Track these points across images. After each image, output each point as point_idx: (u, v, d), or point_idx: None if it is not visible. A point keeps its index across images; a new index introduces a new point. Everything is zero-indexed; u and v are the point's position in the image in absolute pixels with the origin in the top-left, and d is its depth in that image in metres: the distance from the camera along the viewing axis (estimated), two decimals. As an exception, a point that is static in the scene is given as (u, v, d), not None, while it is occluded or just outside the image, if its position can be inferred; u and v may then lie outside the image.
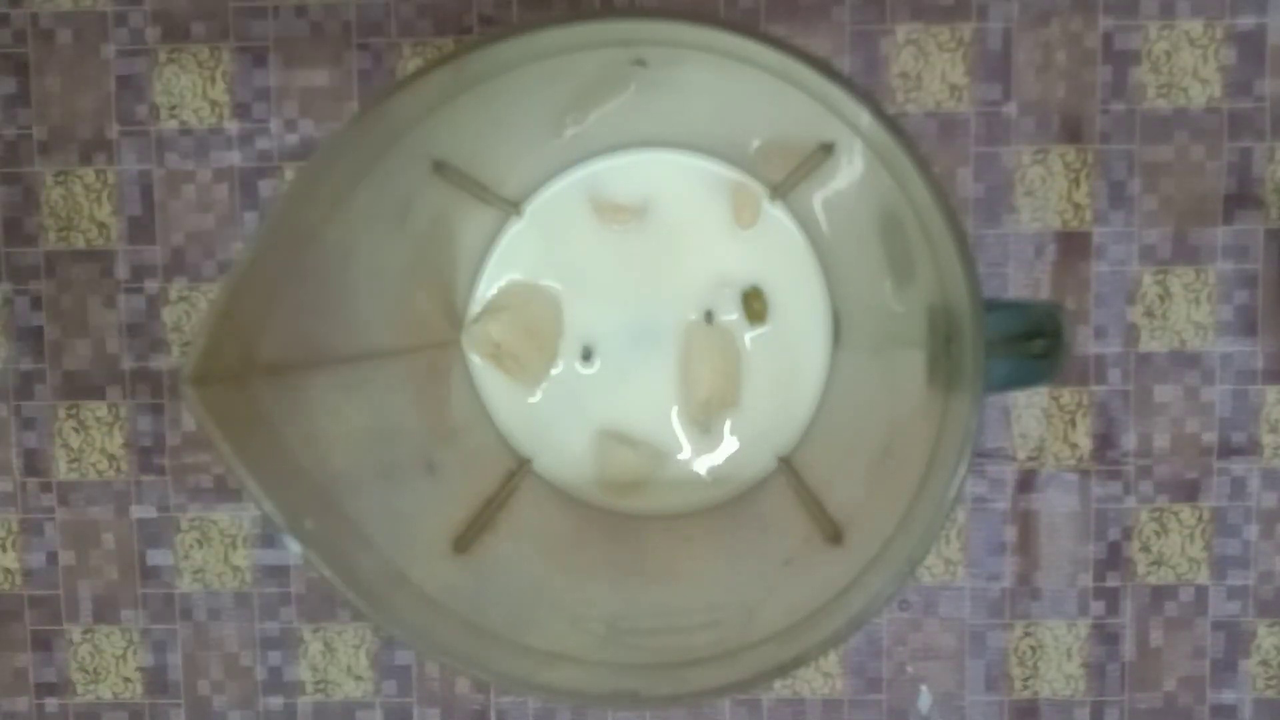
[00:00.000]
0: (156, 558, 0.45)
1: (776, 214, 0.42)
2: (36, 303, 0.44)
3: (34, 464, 0.45)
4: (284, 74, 0.43)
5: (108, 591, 0.45)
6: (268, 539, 0.45)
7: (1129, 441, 0.43)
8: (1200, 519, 0.44)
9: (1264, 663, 0.44)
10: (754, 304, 0.42)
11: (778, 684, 0.44)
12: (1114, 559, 0.44)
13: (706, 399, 0.42)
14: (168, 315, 0.44)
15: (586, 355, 0.42)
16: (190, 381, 0.27)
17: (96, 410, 0.44)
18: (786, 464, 0.42)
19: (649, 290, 0.42)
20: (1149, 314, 0.43)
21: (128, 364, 0.44)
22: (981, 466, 0.43)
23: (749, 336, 0.42)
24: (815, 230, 0.41)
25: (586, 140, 0.41)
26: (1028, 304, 0.41)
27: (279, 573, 0.44)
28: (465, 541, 0.38)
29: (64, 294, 0.44)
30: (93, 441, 0.44)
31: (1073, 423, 0.43)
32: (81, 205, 0.44)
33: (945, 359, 0.31)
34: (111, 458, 0.44)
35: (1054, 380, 0.42)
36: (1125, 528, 0.44)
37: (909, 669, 0.44)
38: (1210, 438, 0.43)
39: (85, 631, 0.45)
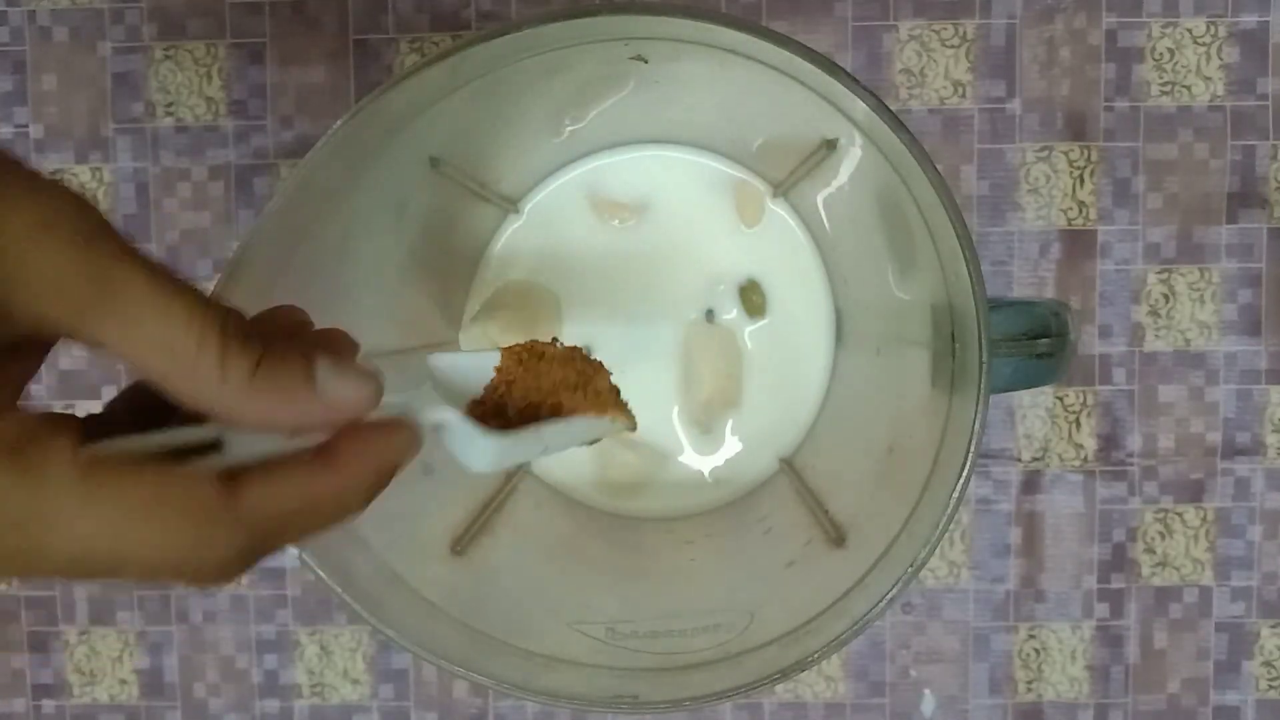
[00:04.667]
0: (152, 559, 0.44)
1: (778, 211, 0.41)
2: (31, 302, 0.44)
3: (28, 465, 0.44)
4: (280, 71, 0.43)
5: (104, 593, 0.44)
6: (264, 540, 0.44)
7: (1133, 442, 0.43)
8: (1204, 520, 0.43)
9: (1267, 664, 0.44)
10: (752, 297, 0.41)
11: (779, 688, 0.44)
12: (1118, 560, 0.43)
13: (708, 399, 0.42)
14: (163, 314, 0.44)
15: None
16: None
17: (93, 410, 0.44)
18: (789, 465, 0.42)
19: (649, 289, 0.42)
20: (1154, 313, 0.43)
21: (123, 363, 0.44)
22: (986, 467, 0.43)
23: (749, 334, 0.42)
24: (818, 228, 0.41)
25: (585, 137, 0.40)
26: (1032, 303, 0.41)
27: (275, 575, 0.44)
28: (463, 544, 0.37)
29: (59, 293, 0.44)
30: (88, 442, 0.44)
31: (1077, 423, 0.43)
32: (76, 204, 0.44)
33: (949, 359, 0.31)
34: (107, 458, 0.44)
35: (1059, 380, 0.42)
36: (1130, 529, 0.43)
37: (912, 672, 0.44)
38: (1214, 438, 0.43)
39: (82, 633, 0.45)
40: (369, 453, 0.22)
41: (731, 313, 0.42)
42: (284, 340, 0.21)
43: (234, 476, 0.21)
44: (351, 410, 0.22)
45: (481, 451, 0.24)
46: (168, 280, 0.20)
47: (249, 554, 0.21)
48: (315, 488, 0.21)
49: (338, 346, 0.24)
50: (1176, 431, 0.43)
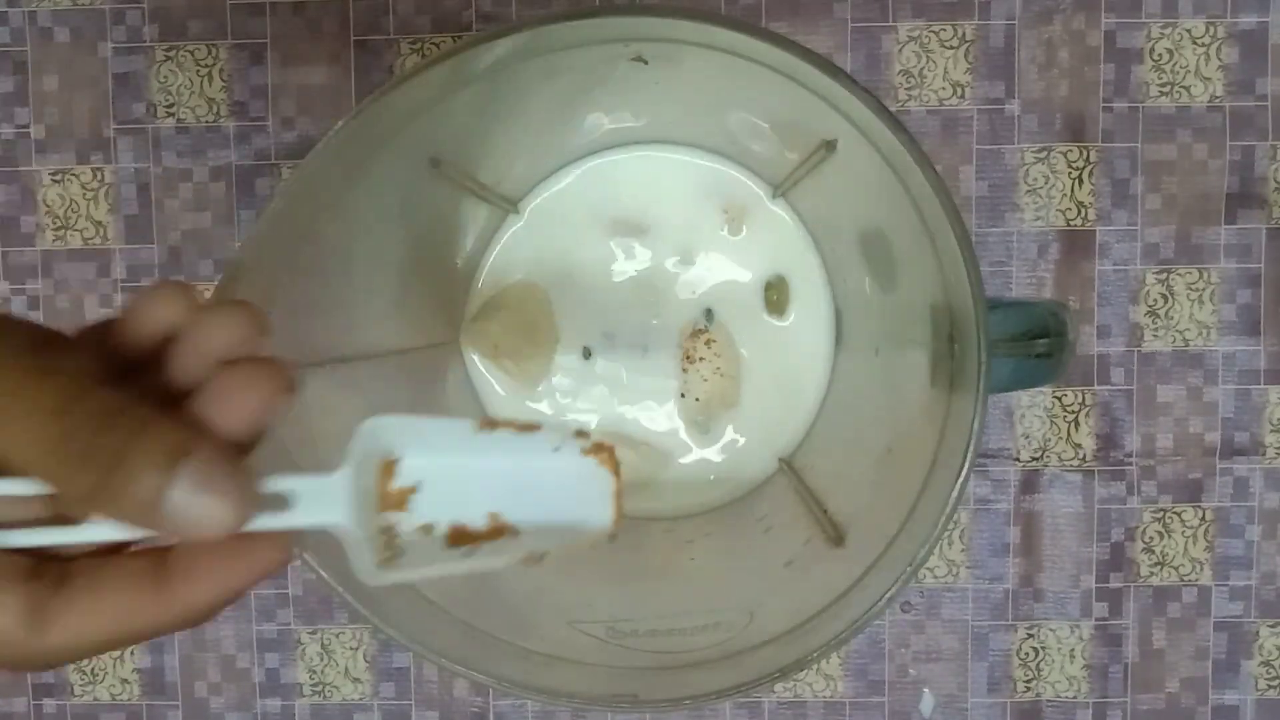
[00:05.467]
0: (153, 559, 0.44)
1: (778, 211, 0.41)
2: (34, 302, 0.44)
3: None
4: (281, 72, 0.43)
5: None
6: (265, 540, 0.44)
7: (1132, 442, 0.43)
8: (1203, 519, 0.43)
9: (1266, 663, 0.44)
10: (773, 295, 0.41)
11: (779, 686, 0.44)
12: (1117, 560, 0.43)
13: (707, 399, 0.42)
14: (165, 315, 0.44)
15: (586, 355, 0.42)
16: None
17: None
18: (788, 465, 0.42)
19: (648, 289, 0.42)
20: (1152, 313, 0.43)
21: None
22: (985, 467, 0.43)
23: (751, 334, 0.42)
24: (817, 228, 0.41)
25: (585, 138, 0.40)
26: (1031, 303, 0.41)
27: (277, 574, 0.44)
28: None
29: (60, 293, 0.44)
30: (89, 442, 0.44)
31: (1076, 423, 0.43)
32: (79, 204, 0.44)
33: (948, 359, 0.31)
34: (108, 458, 0.44)
35: (1058, 380, 0.42)
36: (1128, 528, 0.43)
37: (911, 671, 0.44)
38: (1213, 438, 0.43)
39: (82, 633, 0.45)
40: (211, 581, 0.19)
41: (731, 313, 0.42)
42: (150, 417, 0.18)
43: (60, 575, 0.18)
44: (201, 537, 0.18)
45: (371, 571, 0.20)
46: None
47: (44, 666, 0.19)
48: (137, 617, 0.19)
49: (243, 404, 0.20)
50: (1175, 431, 0.43)
